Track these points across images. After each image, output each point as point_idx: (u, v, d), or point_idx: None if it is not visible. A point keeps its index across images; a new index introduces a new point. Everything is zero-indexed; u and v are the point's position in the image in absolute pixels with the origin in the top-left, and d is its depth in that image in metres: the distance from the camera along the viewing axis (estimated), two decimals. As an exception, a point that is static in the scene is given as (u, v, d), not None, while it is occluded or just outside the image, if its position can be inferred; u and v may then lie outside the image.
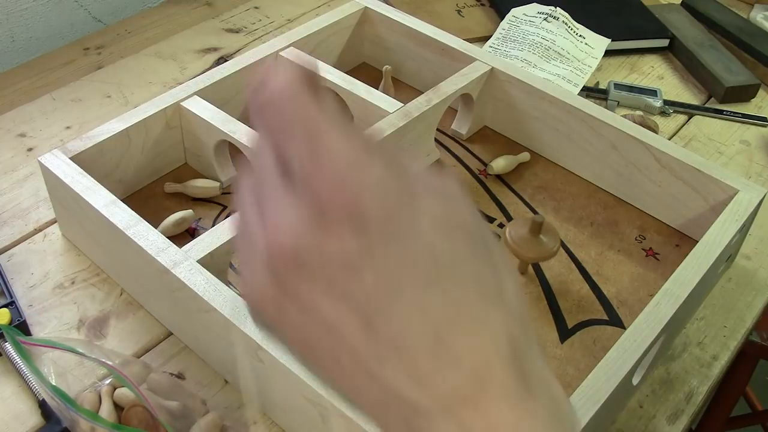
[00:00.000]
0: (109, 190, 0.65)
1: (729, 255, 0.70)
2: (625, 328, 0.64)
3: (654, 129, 0.86)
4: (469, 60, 0.83)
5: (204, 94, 0.76)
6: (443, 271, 0.28)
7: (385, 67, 0.87)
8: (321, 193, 0.27)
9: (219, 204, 0.76)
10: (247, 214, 0.30)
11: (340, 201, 0.27)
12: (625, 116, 0.81)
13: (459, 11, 1.08)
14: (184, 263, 0.59)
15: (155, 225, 0.66)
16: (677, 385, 0.64)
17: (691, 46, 1.01)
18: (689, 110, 0.94)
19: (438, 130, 0.83)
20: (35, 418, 0.58)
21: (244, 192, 0.31)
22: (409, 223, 0.28)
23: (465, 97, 0.83)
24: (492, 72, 0.82)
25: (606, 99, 0.93)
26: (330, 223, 0.27)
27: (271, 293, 0.29)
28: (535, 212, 0.77)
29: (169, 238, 0.62)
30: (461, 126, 0.86)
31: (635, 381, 0.61)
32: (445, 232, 0.29)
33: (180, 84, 0.77)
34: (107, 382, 0.59)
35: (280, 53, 0.82)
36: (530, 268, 0.71)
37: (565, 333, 0.66)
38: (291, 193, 0.28)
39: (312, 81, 0.29)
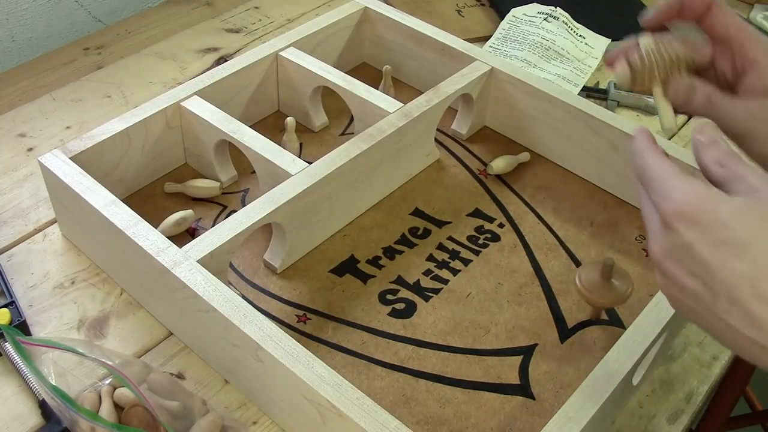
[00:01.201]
0: (109, 190, 0.65)
1: (729, 255, 0.70)
2: (625, 328, 0.64)
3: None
4: (469, 60, 0.83)
5: (204, 94, 0.76)
6: None
7: (385, 67, 0.87)
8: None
9: (219, 204, 0.76)
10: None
11: None
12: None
13: (459, 11, 1.08)
14: (184, 263, 0.59)
15: (155, 225, 0.66)
16: (677, 385, 0.64)
17: (691, 46, 1.01)
18: (689, 110, 0.94)
19: (438, 130, 0.83)
20: (35, 418, 0.58)
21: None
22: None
23: (465, 97, 0.83)
24: (492, 72, 0.82)
25: (606, 99, 0.93)
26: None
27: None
28: (535, 212, 0.77)
29: (169, 238, 0.62)
30: (461, 126, 0.86)
31: (635, 381, 0.61)
32: None
33: (180, 84, 0.78)
34: (107, 382, 0.59)
35: (280, 53, 0.82)
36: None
37: (565, 333, 0.66)
38: None
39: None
